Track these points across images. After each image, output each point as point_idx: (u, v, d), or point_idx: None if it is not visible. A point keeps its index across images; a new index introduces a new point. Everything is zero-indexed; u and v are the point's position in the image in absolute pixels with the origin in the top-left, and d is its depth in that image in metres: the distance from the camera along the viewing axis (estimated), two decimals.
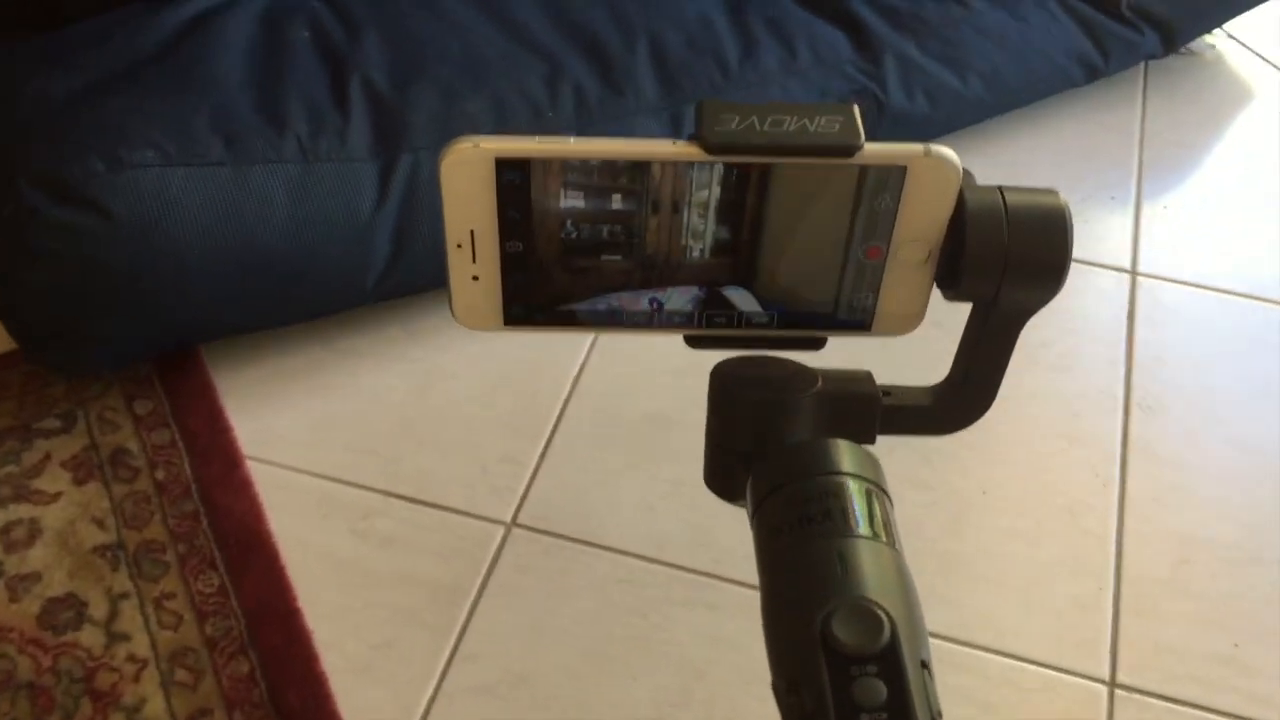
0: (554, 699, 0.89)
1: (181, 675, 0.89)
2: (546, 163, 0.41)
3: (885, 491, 0.41)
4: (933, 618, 0.39)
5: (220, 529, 0.98)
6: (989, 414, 0.49)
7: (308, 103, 1.06)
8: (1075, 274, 0.43)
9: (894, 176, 0.41)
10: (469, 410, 1.08)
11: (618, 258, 0.43)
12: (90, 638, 0.91)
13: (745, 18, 1.22)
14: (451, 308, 0.44)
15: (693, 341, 0.47)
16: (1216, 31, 1.50)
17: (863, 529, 0.39)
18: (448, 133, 1.08)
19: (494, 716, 0.88)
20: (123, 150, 0.96)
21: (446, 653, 0.92)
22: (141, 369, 1.09)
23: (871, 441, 0.47)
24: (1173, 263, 1.24)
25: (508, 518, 1.01)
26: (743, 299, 0.44)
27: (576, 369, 1.11)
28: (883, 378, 0.49)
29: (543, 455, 1.05)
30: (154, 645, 0.91)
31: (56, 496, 1.00)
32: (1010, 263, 0.41)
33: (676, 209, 0.42)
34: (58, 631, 0.92)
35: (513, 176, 0.41)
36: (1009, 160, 1.33)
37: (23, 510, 0.99)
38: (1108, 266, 1.24)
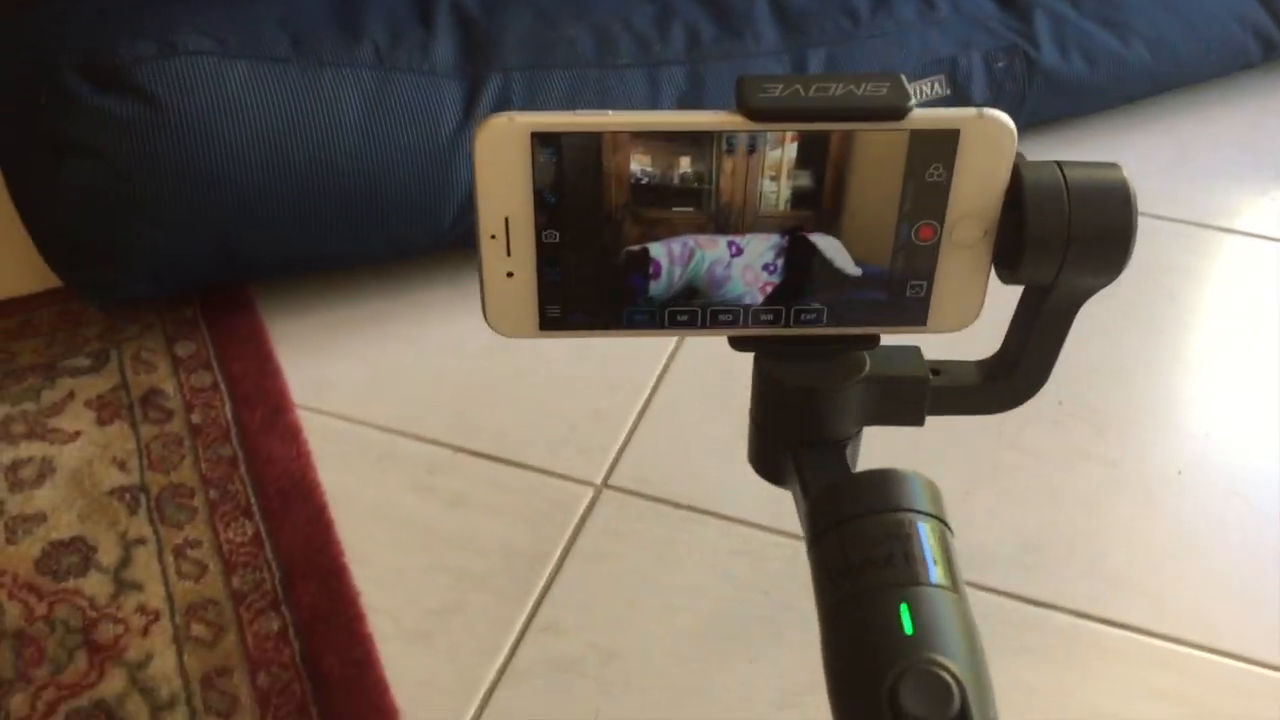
0: (652, 680, 0.71)
1: (198, 630, 0.73)
2: (608, 135, 0.38)
3: (948, 525, 0.38)
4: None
5: (259, 475, 0.83)
6: None
7: (388, 14, 0.94)
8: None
9: (946, 143, 0.39)
10: (556, 366, 0.93)
11: (690, 209, 0.40)
12: (95, 586, 0.76)
13: None
14: (484, 311, 0.42)
15: (738, 344, 0.44)
16: None
17: (934, 576, 0.36)
18: (544, 53, 0.95)
19: (576, 696, 0.70)
20: (177, 34, 0.84)
21: (520, 622, 0.75)
22: (186, 311, 0.96)
23: (919, 423, 0.45)
24: None
25: (598, 479, 0.84)
26: (830, 246, 0.41)
27: None
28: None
29: (641, 413, 0.89)
30: (169, 597, 0.75)
31: (75, 435, 0.86)
32: (1073, 241, 0.39)
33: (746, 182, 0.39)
34: (58, 577, 0.76)
35: (550, 153, 0.38)
36: (1176, 143, 1.18)
37: (35, 448, 0.85)
38: None
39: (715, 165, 0.39)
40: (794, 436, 0.44)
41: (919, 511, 0.37)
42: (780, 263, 0.41)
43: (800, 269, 0.41)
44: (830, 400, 0.43)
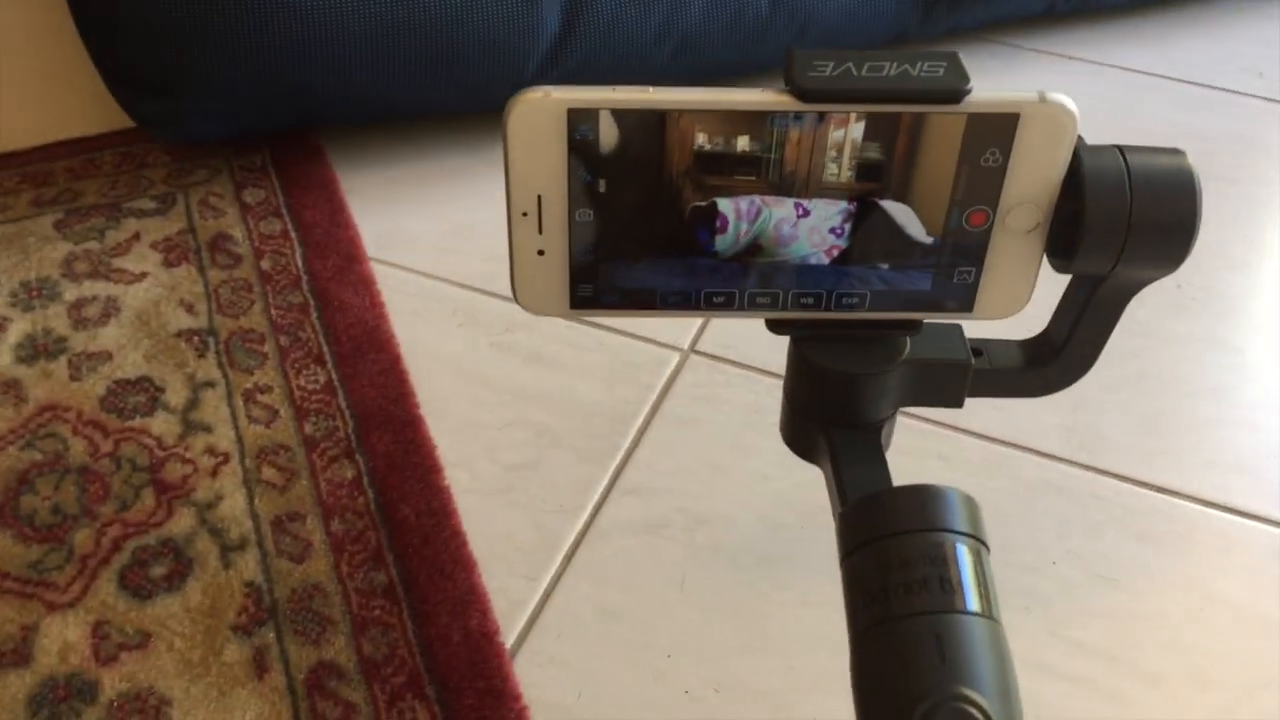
0: (741, 546, 0.68)
1: (269, 474, 0.70)
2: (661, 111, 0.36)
3: (986, 544, 0.35)
4: None
5: (332, 324, 0.79)
6: None
7: None
8: None
9: (1004, 127, 0.37)
10: None
11: (752, 177, 0.38)
12: (162, 426, 0.73)
13: None
14: (513, 288, 0.41)
15: (775, 326, 0.42)
16: None
17: (971, 604, 0.33)
18: None
19: (662, 559, 0.67)
20: None
21: (603, 483, 0.71)
22: (255, 159, 0.92)
23: (959, 405, 0.44)
24: None
25: (685, 344, 0.80)
26: (902, 213, 0.38)
27: None
28: None
29: None
30: (239, 439, 0.72)
31: (141, 276, 0.82)
32: (1133, 232, 0.37)
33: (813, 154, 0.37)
34: (123, 416, 0.73)
35: (588, 130, 0.36)
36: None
37: (99, 287, 0.81)
38: None
39: (774, 139, 0.37)
40: (829, 417, 0.42)
41: (957, 532, 0.35)
42: (848, 227, 0.39)
43: (868, 234, 0.39)
44: (869, 385, 0.41)
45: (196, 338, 0.78)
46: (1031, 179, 0.38)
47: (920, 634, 0.33)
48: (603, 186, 0.38)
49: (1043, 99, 0.36)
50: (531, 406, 0.75)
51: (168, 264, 0.83)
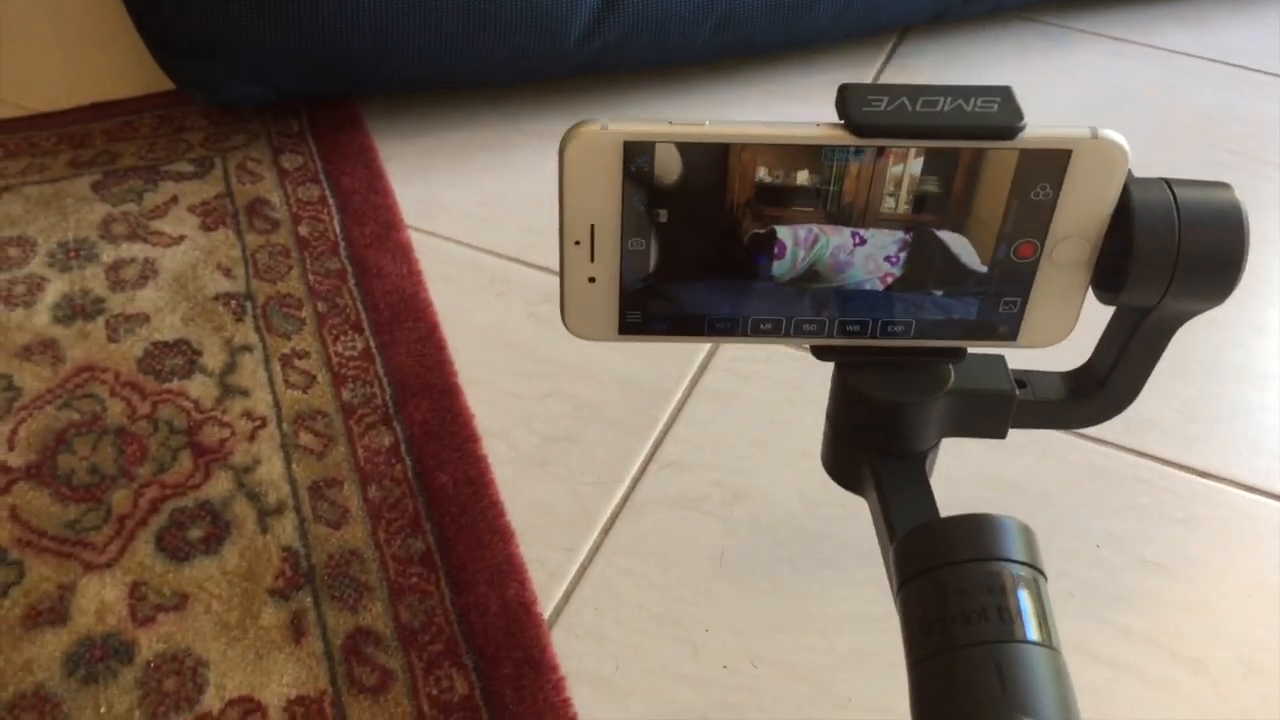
0: (780, 522, 0.67)
1: (307, 439, 0.69)
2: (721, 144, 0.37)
3: (1043, 573, 0.35)
4: None
5: (370, 291, 0.79)
6: None
7: None
8: None
9: (1056, 162, 0.37)
10: None
11: (810, 209, 0.38)
12: (200, 389, 0.72)
13: None
14: (563, 313, 0.41)
15: (821, 353, 0.42)
16: None
17: (1030, 633, 0.33)
18: None
19: (700, 533, 0.66)
20: None
21: (641, 456, 0.70)
22: (293, 125, 0.92)
23: (1002, 436, 0.43)
24: None
25: None
26: (957, 243, 0.38)
27: None
28: None
29: None
30: (276, 404, 0.71)
31: (179, 239, 0.82)
32: (1181, 266, 0.37)
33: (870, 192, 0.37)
34: (161, 378, 0.73)
35: (643, 161, 0.37)
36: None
37: (137, 249, 0.81)
38: None
39: (833, 173, 0.37)
40: (873, 446, 0.42)
41: (1015, 561, 0.35)
42: (903, 256, 0.39)
43: (923, 263, 0.39)
44: (914, 414, 0.41)
45: (234, 302, 0.78)
46: (1081, 213, 0.38)
47: (980, 663, 0.32)
48: (662, 216, 0.38)
49: (1095, 135, 0.37)
50: (570, 378, 0.75)
51: (205, 228, 0.83)
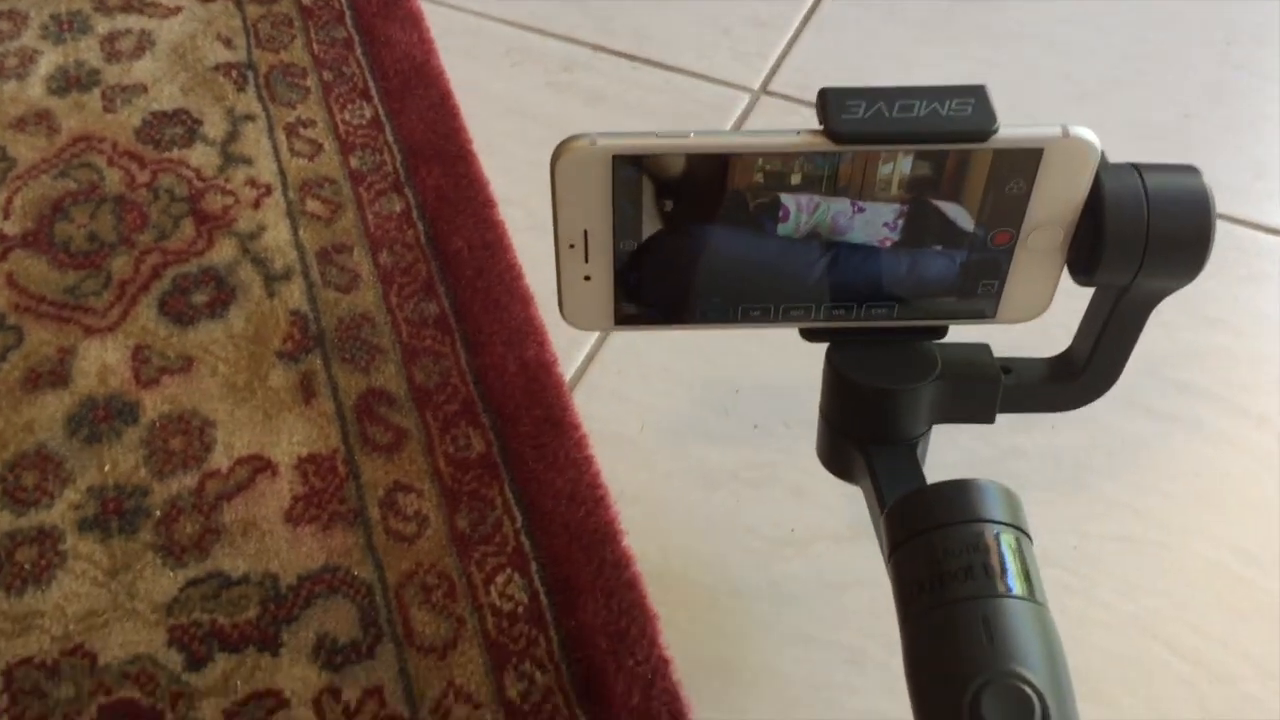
0: None
1: (314, 206, 0.66)
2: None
3: (1028, 534, 0.37)
4: None
5: (378, 59, 0.74)
6: None
7: None
8: None
9: (1028, 160, 0.38)
10: None
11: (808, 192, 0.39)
12: (201, 157, 0.69)
13: None
14: (561, 308, 0.42)
15: (810, 335, 0.44)
16: None
17: (1014, 587, 0.35)
18: None
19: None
20: None
21: None
22: None
23: (990, 421, 0.45)
24: None
25: (755, 85, 0.74)
26: (953, 210, 0.39)
27: None
28: None
29: (806, 19, 0.78)
30: (281, 172, 0.68)
31: (176, 10, 0.77)
32: (1150, 248, 0.38)
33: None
34: (160, 147, 0.69)
35: (633, 170, 0.38)
36: None
37: (132, 20, 0.77)
38: None
39: (825, 172, 0.38)
40: (865, 434, 0.44)
41: (997, 522, 0.37)
42: (901, 223, 0.41)
43: (920, 228, 0.41)
44: (904, 400, 0.43)
45: (235, 71, 0.73)
46: (1054, 203, 0.39)
47: (968, 618, 0.34)
48: (668, 206, 0.40)
49: (1066, 134, 0.38)
50: None
51: None
